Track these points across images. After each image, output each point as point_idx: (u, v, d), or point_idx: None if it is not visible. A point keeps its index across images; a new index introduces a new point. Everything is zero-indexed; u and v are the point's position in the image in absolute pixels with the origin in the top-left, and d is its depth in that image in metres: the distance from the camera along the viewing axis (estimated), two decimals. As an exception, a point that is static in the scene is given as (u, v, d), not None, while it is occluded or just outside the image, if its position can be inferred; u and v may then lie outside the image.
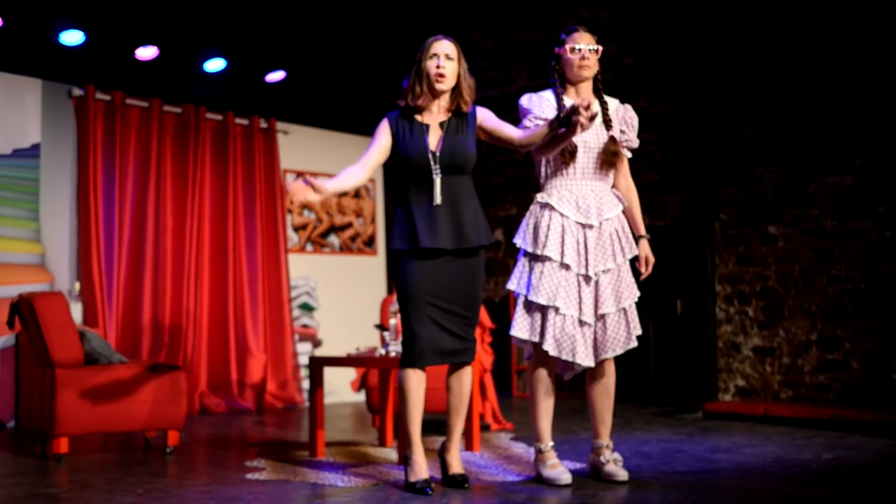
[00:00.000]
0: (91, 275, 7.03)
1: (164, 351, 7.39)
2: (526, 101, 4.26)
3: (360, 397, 8.39)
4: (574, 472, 4.22)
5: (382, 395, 5.35)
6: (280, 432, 6.24)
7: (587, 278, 4.05)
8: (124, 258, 7.34)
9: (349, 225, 8.84)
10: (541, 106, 4.20)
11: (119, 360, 5.27)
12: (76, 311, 6.98)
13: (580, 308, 4.03)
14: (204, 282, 7.76)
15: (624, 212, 4.23)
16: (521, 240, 4.16)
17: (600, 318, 4.07)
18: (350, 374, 8.38)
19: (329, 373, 7.65)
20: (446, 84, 4.03)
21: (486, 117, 4.16)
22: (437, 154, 3.97)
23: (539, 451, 4.13)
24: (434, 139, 4.01)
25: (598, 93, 4.28)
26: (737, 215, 7.56)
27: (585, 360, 4.02)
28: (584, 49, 4.16)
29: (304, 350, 8.35)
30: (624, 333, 4.08)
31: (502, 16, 8.97)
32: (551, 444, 4.14)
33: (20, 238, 6.88)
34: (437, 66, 4.01)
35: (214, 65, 7.93)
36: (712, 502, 3.64)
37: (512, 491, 3.95)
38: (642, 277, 4.25)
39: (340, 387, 8.32)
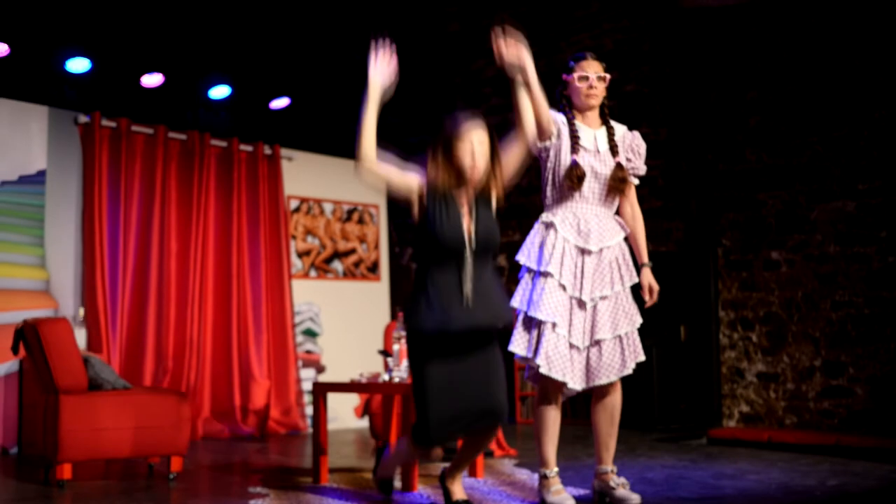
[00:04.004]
0: (95, 301, 7.05)
1: (168, 377, 7.39)
2: None
3: (364, 423, 8.38)
4: (578, 499, 4.21)
5: (386, 420, 5.34)
6: (283, 458, 6.23)
7: (581, 303, 4.05)
8: (128, 284, 7.36)
9: (353, 251, 8.86)
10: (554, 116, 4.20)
11: (123, 385, 5.27)
12: (80, 336, 6.99)
13: (569, 331, 4.02)
14: (208, 307, 7.77)
15: (627, 239, 4.23)
16: (525, 257, 4.16)
17: (595, 343, 4.05)
18: (353, 399, 8.38)
19: (332, 399, 7.66)
20: (480, 174, 3.80)
21: (504, 164, 3.92)
22: (474, 238, 3.76)
23: (543, 477, 4.12)
24: (466, 222, 3.79)
25: (604, 119, 4.30)
26: (739, 241, 7.57)
27: (574, 383, 4.00)
28: (592, 77, 4.20)
29: (307, 376, 8.35)
30: (619, 360, 4.05)
31: (505, 43, 9.02)
32: (556, 469, 4.13)
33: (25, 264, 6.91)
34: (472, 157, 3.76)
35: (219, 92, 7.99)
36: (717, 529, 3.63)
37: (516, 517, 3.94)
38: (647, 305, 4.23)
39: (344, 413, 8.32)
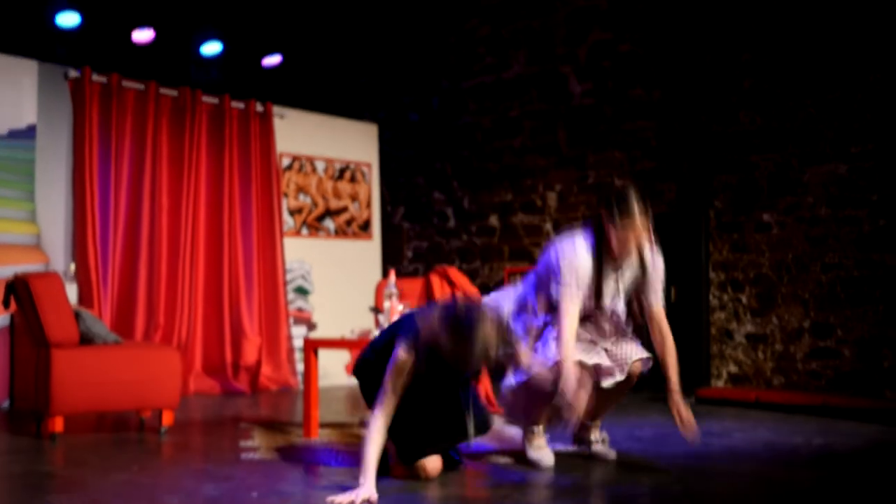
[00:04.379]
0: (86, 256, 7.04)
1: (159, 333, 7.40)
2: (566, 264, 4.03)
3: (354, 381, 8.41)
4: (566, 454, 4.25)
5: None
6: (274, 414, 6.26)
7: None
8: (120, 239, 7.35)
9: (344, 209, 8.85)
10: (576, 275, 4.01)
11: (114, 340, 5.29)
12: (71, 291, 6.99)
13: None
14: (199, 264, 7.77)
15: (659, 363, 4.10)
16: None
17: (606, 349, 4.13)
18: (344, 357, 8.41)
19: (324, 357, 7.68)
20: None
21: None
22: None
23: (529, 432, 4.16)
24: None
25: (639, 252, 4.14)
26: (731, 203, 7.58)
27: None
28: (632, 242, 4.03)
29: (298, 333, 8.37)
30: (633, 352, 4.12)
31: (499, 2, 8.97)
32: (542, 427, 4.16)
33: (15, 219, 6.89)
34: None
35: (211, 48, 7.92)
36: (703, 485, 3.68)
37: (504, 473, 3.97)
38: (688, 438, 4.01)
39: (335, 371, 8.35)
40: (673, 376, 4.01)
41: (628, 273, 4.10)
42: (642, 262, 4.09)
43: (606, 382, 4.07)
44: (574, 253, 4.01)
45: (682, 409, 3.92)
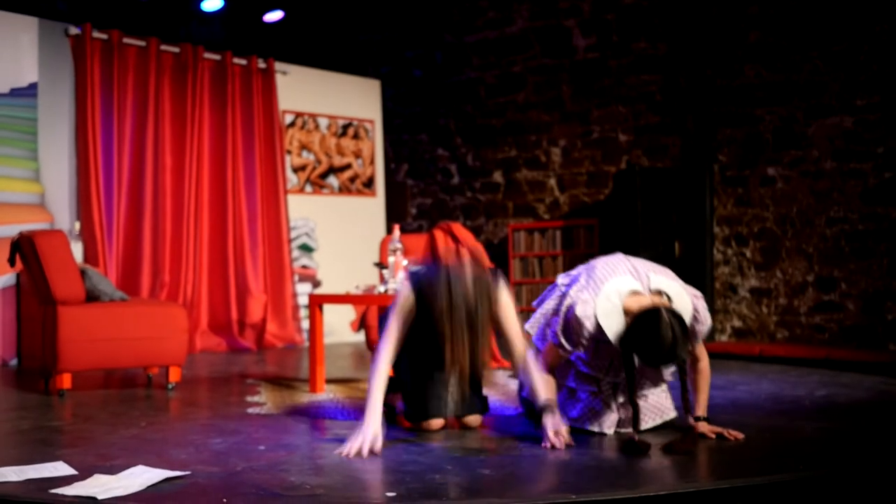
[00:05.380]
0: (91, 214, 7.05)
1: (165, 291, 7.43)
2: (579, 329, 3.60)
3: (360, 338, 8.46)
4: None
5: (381, 333, 5.38)
6: (280, 370, 6.31)
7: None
8: (124, 197, 7.35)
9: (348, 166, 8.83)
10: (578, 338, 3.64)
11: (120, 297, 5.31)
12: (76, 250, 7.01)
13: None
14: (203, 222, 7.78)
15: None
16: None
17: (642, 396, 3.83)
18: (349, 315, 8.45)
19: (329, 314, 7.72)
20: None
21: (504, 303, 3.73)
22: None
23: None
24: None
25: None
26: (736, 157, 7.55)
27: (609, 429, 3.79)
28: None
29: (303, 290, 8.40)
30: (667, 401, 3.89)
31: (502, -45, 8.87)
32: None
33: (19, 178, 6.89)
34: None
35: (212, 4, 7.87)
36: (706, 437, 3.70)
37: (510, 425, 4.01)
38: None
39: (340, 328, 8.39)
40: (702, 402, 3.71)
41: None
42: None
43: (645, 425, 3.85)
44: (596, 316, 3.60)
45: (707, 432, 3.62)
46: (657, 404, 3.88)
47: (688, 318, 3.56)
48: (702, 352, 3.74)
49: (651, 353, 3.41)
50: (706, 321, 3.68)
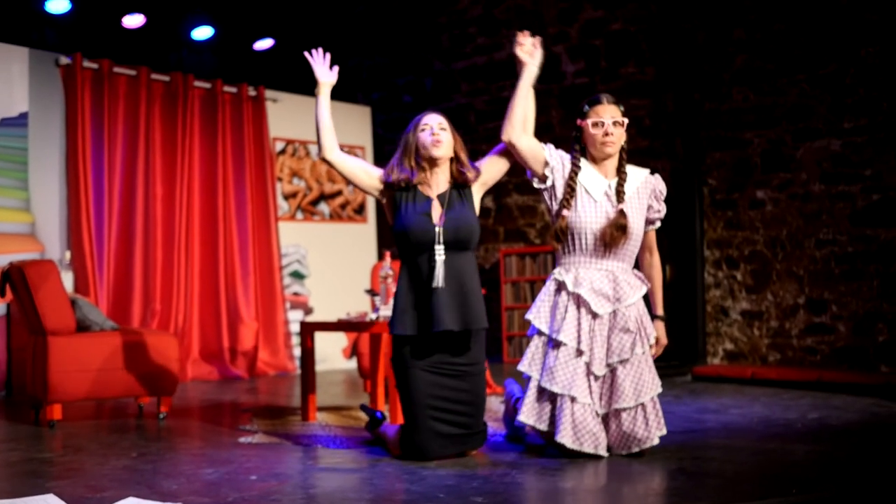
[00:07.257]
0: (81, 243, 7.04)
1: (156, 319, 7.41)
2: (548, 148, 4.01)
3: (352, 364, 8.44)
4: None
5: (373, 359, 5.37)
6: (272, 398, 6.28)
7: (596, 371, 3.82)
8: (114, 227, 7.34)
9: (339, 193, 8.84)
10: (557, 155, 3.98)
11: (111, 326, 5.29)
12: (67, 279, 6.99)
13: (591, 397, 3.78)
14: (195, 250, 7.77)
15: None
16: (535, 317, 3.89)
17: (615, 413, 3.77)
18: (341, 342, 8.43)
19: (321, 341, 7.70)
20: (443, 150, 3.86)
21: (484, 169, 4.02)
22: (441, 230, 3.77)
23: (517, 400, 4.17)
24: (436, 214, 3.82)
25: (622, 165, 3.96)
26: (725, 180, 7.59)
27: (604, 451, 3.77)
28: (607, 124, 3.86)
29: (295, 318, 8.38)
30: (642, 430, 3.74)
31: (491, -18, 8.94)
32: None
33: (10, 207, 6.88)
34: (433, 134, 3.85)
35: (202, 32, 7.90)
36: (699, 459, 3.70)
37: (500, 449, 4.00)
38: (652, 356, 3.90)
39: (332, 355, 8.37)
40: (658, 299, 4.01)
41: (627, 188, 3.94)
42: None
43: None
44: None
45: (662, 336, 3.92)
46: (650, 375, 3.86)
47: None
48: (654, 245, 4.03)
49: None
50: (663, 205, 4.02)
